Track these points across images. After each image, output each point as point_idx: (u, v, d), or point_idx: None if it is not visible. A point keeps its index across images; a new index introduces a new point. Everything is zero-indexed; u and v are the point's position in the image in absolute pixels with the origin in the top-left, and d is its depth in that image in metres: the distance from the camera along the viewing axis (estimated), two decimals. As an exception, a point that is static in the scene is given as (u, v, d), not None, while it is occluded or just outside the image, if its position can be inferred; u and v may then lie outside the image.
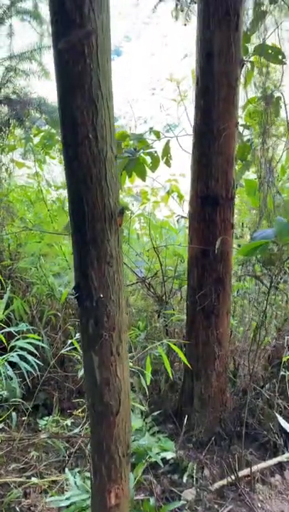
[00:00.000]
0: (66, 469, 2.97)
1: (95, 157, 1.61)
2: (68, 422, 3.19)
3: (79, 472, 3.07)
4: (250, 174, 4.33)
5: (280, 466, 3.25)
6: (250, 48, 3.61)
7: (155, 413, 3.38)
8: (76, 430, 3.23)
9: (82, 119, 1.56)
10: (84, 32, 1.45)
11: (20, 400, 3.49)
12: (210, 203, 3.17)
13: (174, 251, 3.72)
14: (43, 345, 3.48)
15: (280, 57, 3.47)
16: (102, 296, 1.77)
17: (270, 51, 3.46)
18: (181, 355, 3.04)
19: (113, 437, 2.00)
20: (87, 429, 3.27)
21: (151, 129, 3.91)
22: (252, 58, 3.59)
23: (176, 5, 3.53)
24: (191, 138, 4.49)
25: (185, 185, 4.65)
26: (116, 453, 2.03)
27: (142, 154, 3.80)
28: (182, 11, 3.45)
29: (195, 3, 3.52)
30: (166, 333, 3.71)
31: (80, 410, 3.27)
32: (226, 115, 3.07)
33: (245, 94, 3.86)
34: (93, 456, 2.09)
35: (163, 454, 3.23)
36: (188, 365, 3.33)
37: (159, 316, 3.71)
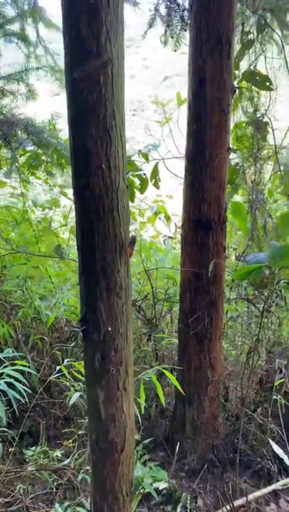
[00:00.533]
0: (56, 504, 2.85)
1: (108, 187, 1.56)
2: (58, 453, 3.06)
3: (68, 506, 2.95)
4: (236, 196, 4.35)
5: (275, 494, 3.20)
6: (238, 73, 3.65)
7: (146, 441, 3.29)
8: (66, 462, 3.11)
9: (95, 149, 1.52)
10: (101, 62, 1.41)
11: (5, 428, 3.35)
12: (203, 226, 3.15)
13: (165, 273, 3.68)
14: (30, 371, 3.36)
15: (267, 83, 3.51)
16: (110, 329, 1.71)
17: (257, 78, 3.50)
18: (174, 381, 2.97)
19: (117, 475, 1.92)
20: (77, 459, 3.16)
21: (140, 151, 3.89)
22: (239, 84, 3.62)
23: (166, 31, 3.55)
24: (177, 160, 4.49)
25: (172, 207, 4.64)
26: (120, 492, 1.95)
27: (130, 176, 3.77)
28: (172, 37, 3.47)
29: (185, 30, 3.55)
30: (156, 357, 3.64)
31: (70, 440, 3.15)
32: (218, 141, 3.07)
33: (233, 118, 3.89)
34: (94, 495, 2.00)
35: (156, 485, 3.14)
36: (182, 390, 3.27)
37: (148, 340, 3.65)
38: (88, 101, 1.46)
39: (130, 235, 1.67)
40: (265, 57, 3.50)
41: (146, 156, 3.88)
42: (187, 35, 3.72)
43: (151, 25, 3.49)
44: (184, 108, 4.96)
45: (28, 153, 4.03)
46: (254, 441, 3.45)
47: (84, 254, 1.63)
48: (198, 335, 3.24)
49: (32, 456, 3.29)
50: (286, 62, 3.40)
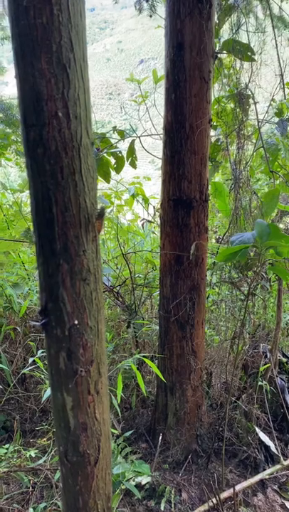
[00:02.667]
0: (30, 509, 2.46)
1: (67, 143, 1.13)
2: (32, 452, 2.66)
3: (45, 508, 2.57)
4: (216, 176, 3.95)
5: (262, 484, 2.86)
6: (219, 44, 3.23)
7: (127, 433, 2.91)
8: (41, 461, 2.71)
9: (48, 91, 1.08)
10: None
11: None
12: (183, 206, 2.75)
13: (144, 257, 3.28)
14: (1, 366, 2.94)
15: (249, 53, 3.10)
16: (76, 322, 1.30)
17: (238, 47, 3.08)
18: (156, 370, 2.59)
19: (91, 491, 1.52)
20: (54, 458, 2.76)
21: (114, 128, 3.45)
22: (220, 55, 3.20)
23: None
24: (154, 141, 4.05)
25: (150, 190, 4.22)
26: (95, 509, 1.55)
27: (105, 155, 3.33)
28: (147, 1, 3.02)
29: (161, -7, 3.10)
30: (137, 344, 3.25)
31: (45, 438, 2.75)
32: (199, 111, 2.66)
33: (212, 92, 3.46)
34: (66, 512, 1.61)
35: (138, 479, 2.77)
36: (163, 379, 2.89)
37: (128, 327, 3.25)
38: (36, 25, 1.03)
39: (99, 205, 1.26)
40: (247, 25, 3.08)
41: (121, 134, 3.44)
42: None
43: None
44: (161, 87, 4.52)
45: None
46: (239, 430, 3.10)
47: (40, 231, 1.21)
48: (180, 321, 2.86)
49: (5, 454, 2.89)
50: (273, 28, 2.98)
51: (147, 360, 2.57)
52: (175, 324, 2.87)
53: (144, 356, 2.61)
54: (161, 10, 3.66)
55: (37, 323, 1.34)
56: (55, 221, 1.17)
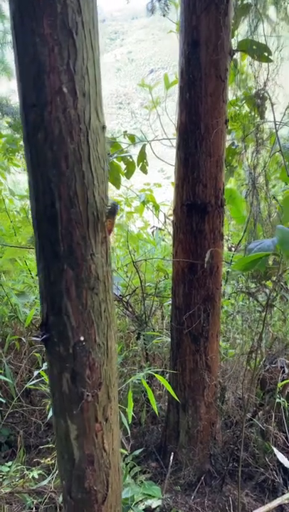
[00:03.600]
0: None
1: (73, 125, 0.92)
2: (35, 473, 2.42)
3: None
4: (229, 182, 3.74)
5: (281, 510, 2.60)
6: (234, 43, 3.02)
7: (137, 452, 2.67)
8: (45, 482, 2.47)
9: (51, 62, 0.87)
10: None
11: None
12: (197, 211, 2.53)
13: (155, 265, 3.06)
14: (5, 379, 2.72)
15: (266, 54, 2.89)
16: (82, 338, 1.08)
17: (254, 47, 2.88)
18: (167, 386, 2.35)
19: (98, 532, 1.29)
20: (58, 478, 2.52)
21: (125, 132, 3.25)
22: (235, 56, 3.00)
23: (153, -4, 2.92)
24: (163, 150, 3.87)
25: (159, 197, 4.01)
26: None
27: (115, 160, 3.13)
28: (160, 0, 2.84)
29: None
30: (147, 357, 3.02)
31: (49, 458, 2.51)
32: (215, 111, 2.45)
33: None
34: None
35: (148, 502, 2.52)
36: (175, 397, 2.65)
37: (138, 338, 3.02)
38: (36, -22, 0.84)
39: (110, 201, 1.04)
40: (263, 25, 2.88)
41: (132, 138, 3.24)
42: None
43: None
44: (173, 92, 4.32)
45: (4, 137, 3.37)
46: (256, 450, 2.84)
47: (41, 231, 1.00)
48: (194, 333, 2.62)
49: (8, 473, 2.66)
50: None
51: (159, 377, 2.33)
52: (188, 337, 2.63)
53: (155, 372, 2.38)
54: (172, 15, 3.48)
55: (37, 339, 1.12)
56: (58, 219, 0.96)
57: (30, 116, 0.92)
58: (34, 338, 1.03)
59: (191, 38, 2.43)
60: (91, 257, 1.02)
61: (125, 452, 2.50)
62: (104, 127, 0.99)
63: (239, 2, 2.96)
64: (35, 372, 2.59)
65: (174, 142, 3.72)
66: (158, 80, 4.29)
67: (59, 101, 0.89)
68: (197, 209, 2.54)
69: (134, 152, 3.31)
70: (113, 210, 1.01)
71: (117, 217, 3.58)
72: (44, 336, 1.10)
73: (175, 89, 3.46)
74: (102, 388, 1.15)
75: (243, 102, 3.10)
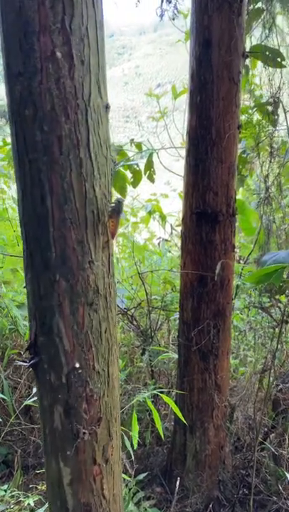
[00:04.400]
0: None
1: (68, 99, 0.71)
2: (31, 500, 2.17)
3: None
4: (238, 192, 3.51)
5: None
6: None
7: (141, 476, 2.42)
8: (41, 510, 2.22)
9: (42, 19, 0.66)
10: None
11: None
12: (207, 220, 2.31)
13: (161, 277, 2.84)
14: (3, 397, 2.49)
15: (279, 59, 2.70)
16: (78, 365, 0.85)
17: (267, 53, 2.69)
18: (175, 408, 2.10)
19: None
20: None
21: (132, 140, 3.06)
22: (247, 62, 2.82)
23: (162, 1, 2.75)
24: (170, 161, 3.71)
25: (166, 208, 3.81)
26: None
27: (121, 168, 2.93)
28: (170, 2, 2.67)
29: (184, -6, 2.74)
30: (152, 374, 2.78)
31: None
32: (227, 115, 2.24)
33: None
34: None
35: (152, 533, 2.27)
36: (182, 418, 2.40)
37: (143, 354, 2.78)
38: None
39: (113, 197, 0.83)
40: (276, 30, 2.70)
41: (139, 146, 3.05)
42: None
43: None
44: (181, 104, 4.14)
45: (9, 145, 3.18)
46: (268, 475, 2.58)
47: (28, 233, 0.79)
48: (203, 350, 2.38)
49: (3, 497, 2.41)
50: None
51: (165, 397, 2.09)
52: (197, 354, 2.39)
53: (160, 391, 2.13)
54: (180, 22, 3.32)
55: (24, 363, 0.90)
56: (49, 218, 0.74)
57: (15, 89, 0.71)
58: (20, 363, 0.84)
59: (203, 38, 2.23)
60: (89, 266, 0.80)
61: (129, 479, 2.25)
62: (107, 107, 0.79)
63: (251, 7, 2.78)
64: (35, 389, 2.35)
65: (182, 153, 3.51)
66: (165, 91, 4.12)
67: (51, 68, 0.69)
68: (207, 218, 2.32)
69: (141, 162, 3.12)
70: (117, 208, 0.80)
71: (122, 227, 3.37)
72: (32, 361, 0.88)
73: (182, 102, 3.30)
74: (101, 424, 0.92)
75: (255, 109, 2.90)
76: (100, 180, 0.78)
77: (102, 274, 0.83)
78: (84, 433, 0.90)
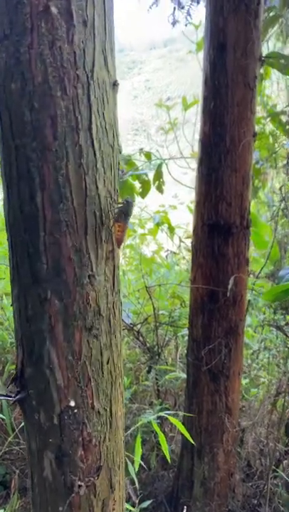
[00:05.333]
0: None
1: (65, 69, 0.54)
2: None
3: None
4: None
5: None
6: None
7: (145, 504, 2.20)
8: None
9: None
10: None
11: None
12: (220, 232, 2.13)
13: (169, 291, 2.65)
14: (2, 416, 2.31)
15: (294, 68, 2.55)
16: (73, 404, 0.67)
17: (283, 61, 2.54)
18: (183, 431, 1.90)
19: None
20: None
21: (141, 149, 2.90)
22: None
23: (174, 8, 2.62)
24: (178, 175, 3.56)
25: (175, 220, 3.64)
26: None
27: (129, 178, 2.77)
28: (182, 7, 2.53)
29: (198, 2, 2.60)
30: (158, 394, 2.57)
31: None
32: (242, 122, 2.08)
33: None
34: None
35: None
36: (191, 440, 2.19)
37: (149, 372, 2.58)
38: None
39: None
40: (292, 37, 2.55)
41: (148, 156, 2.89)
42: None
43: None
44: (191, 114, 4.00)
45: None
46: (280, 506, 2.35)
47: (15, 239, 0.62)
48: (213, 371, 2.18)
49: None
50: None
51: (173, 420, 1.89)
52: (206, 374, 2.19)
53: (167, 413, 1.93)
54: (190, 33, 3.20)
55: (8, 398, 0.72)
56: (39, 219, 0.57)
57: (0, 56, 0.55)
58: (3, 398, 0.69)
59: (217, 41, 2.08)
60: (89, 281, 0.62)
61: (132, 509, 2.04)
62: (115, 84, 0.62)
63: (266, 14, 2.64)
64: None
65: (192, 164, 3.34)
66: (174, 107, 4.00)
67: (44, 28, 0.52)
68: (220, 230, 2.14)
69: (150, 173, 2.97)
70: (126, 210, 0.63)
71: (130, 238, 3.19)
72: (18, 396, 0.70)
73: (192, 114, 3.19)
74: (101, 474, 0.74)
75: (268, 119, 2.74)
76: (104, 174, 0.61)
77: (104, 292, 0.65)
78: (80, 486, 0.71)
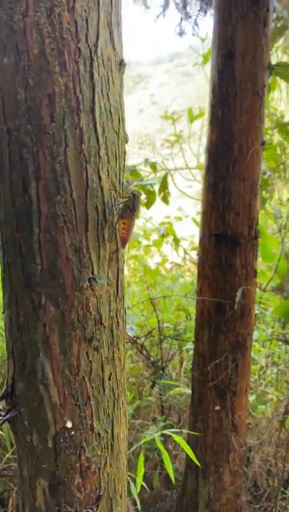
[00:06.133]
0: None
1: (65, 41, 0.47)
2: None
3: None
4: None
5: None
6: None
7: (147, 527, 2.08)
8: None
9: None
10: None
11: None
12: (227, 242, 2.04)
13: (174, 303, 2.56)
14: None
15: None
16: (70, 425, 0.58)
17: (290, 71, 2.49)
18: (187, 450, 1.79)
19: None
20: None
21: (146, 160, 2.85)
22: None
23: (181, 19, 2.59)
24: (184, 186, 3.53)
25: (179, 231, 3.57)
26: None
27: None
28: (189, 16, 2.50)
29: (206, 12, 2.56)
30: (162, 410, 2.46)
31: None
32: (251, 130, 2.01)
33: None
34: None
35: None
36: (196, 461, 2.08)
37: (152, 387, 2.47)
38: None
39: (128, 187, 0.58)
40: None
41: (153, 166, 2.83)
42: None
43: (165, 8, 2.51)
44: (196, 127, 3.96)
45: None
46: (289, 531, 2.22)
47: (6, 237, 0.54)
48: (219, 387, 2.07)
49: None
50: None
51: (178, 439, 1.78)
52: (212, 390, 2.08)
53: (171, 431, 1.82)
54: (196, 43, 3.17)
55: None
56: (33, 214, 0.49)
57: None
58: None
59: (226, 49, 2.03)
60: (90, 285, 0.54)
61: (133, 532, 1.92)
62: (122, 64, 0.55)
63: (273, 24, 2.59)
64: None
65: (197, 176, 3.28)
66: (180, 121, 3.97)
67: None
68: (227, 240, 2.06)
69: (155, 185, 2.91)
70: (132, 205, 0.55)
71: (134, 249, 3.10)
72: (8, 415, 0.61)
73: (197, 127, 3.17)
74: (101, 505, 0.64)
75: (275, 130, 2.68)
76: (107, 163, 0.53)
77: (107, 297, 0.57)
78: (76, 520, 0.62)
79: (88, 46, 0.49)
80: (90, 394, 0.58)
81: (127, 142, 0.57)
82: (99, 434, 0.61)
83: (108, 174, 0.54)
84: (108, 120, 0.53)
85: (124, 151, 0.57)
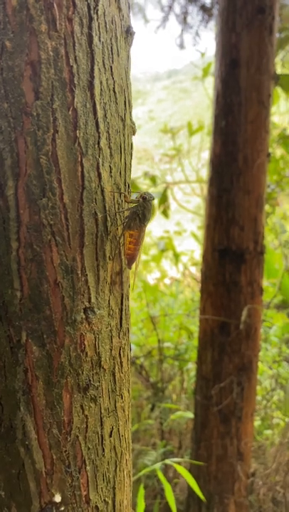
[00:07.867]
0: None
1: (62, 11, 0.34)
2: None
3: None
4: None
5: None
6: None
7: None
8: None
9: None
10: None
11: None
12: (232, 258, 1.91)
13: (174, 322, 2.41)
14: None
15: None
16: (59, 499, 0.43)
17: (293, 83, 2.39)
18: (190, 480, 1.63)
19: None
20: None
21: (146, 173, 2.73)
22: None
23: (182, 30, 2.50)
24: (184, 199, 3.43)
25: (180, 246, 3.44)
26: None
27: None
28: (191, 27, 2.41)
29: (207, 22, 2.48)
30: (162, 435, 2.29)
31: None
32: (256, 141, 1.90)
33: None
34: None
35: None
36: (200, 494, 1.90)
37: (152, 410, 2.31)
38: None
39: (131, 189, 0.44)
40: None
41: (153, 179, 2.72)
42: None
43: (165, 19, 2.42)
44: (195, 142, 3.89)
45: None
46: None
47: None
48: (224, 412, 1.92)
49: None
50: None
51: (180, 468, 1.61)
52: (216, 416, 1.93)
53: (173, 460, 1.66)
54: (195, 59, 3.10)
55: None
56: (10, 224, 0.35)
57: None
58: None
59: (230, 57, 1.93)
60: (86, 317, 0.40)
61: None
62: (129, 32, 0.42)
63: (277, 34, 2.51)
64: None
65: (197, 190, 3.18)
66: (177, 136, 3.88)
67: None
68: (232, 256, 1.93)
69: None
70: (142, 212, 0.42)
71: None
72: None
73: (196, 142, 3.07)
74: None
75: (278, 142, 2.58)
76: (110, 157, 0.40)
77: (107, 333, 0.43)
78: None
79: (86, 0, 0.36)
80: (85, 457, 0.44)
81: (134, 134, 0.44)
82: (97, 507, 0.46)
83: (110, 171, 0.41)
84: (112, 102, 0.40)
85: (131, 144, 0.44)
